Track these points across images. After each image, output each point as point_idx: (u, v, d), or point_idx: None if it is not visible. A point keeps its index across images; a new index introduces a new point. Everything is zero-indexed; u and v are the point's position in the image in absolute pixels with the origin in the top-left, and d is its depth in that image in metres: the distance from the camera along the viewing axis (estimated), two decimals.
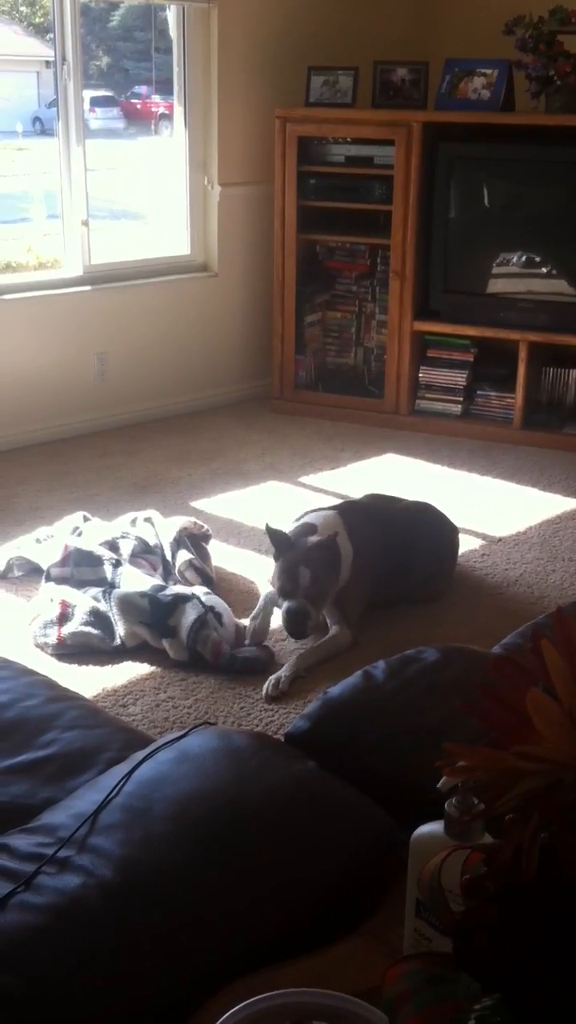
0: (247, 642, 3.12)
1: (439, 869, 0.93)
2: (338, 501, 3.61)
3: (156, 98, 5.89)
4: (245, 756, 1.48)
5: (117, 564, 3.34)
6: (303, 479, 4.54)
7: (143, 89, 6.02)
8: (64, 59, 4.70)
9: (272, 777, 1.46)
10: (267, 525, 3.12)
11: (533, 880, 0.78)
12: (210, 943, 1.23)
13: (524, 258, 5.06)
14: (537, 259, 5.05)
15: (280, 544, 3.08)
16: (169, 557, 3.49)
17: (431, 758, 0.85)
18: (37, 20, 5.54)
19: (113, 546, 3.46)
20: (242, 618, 3.24)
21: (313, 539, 3.12)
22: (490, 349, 5.13)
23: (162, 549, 3.53)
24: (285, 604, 3.03)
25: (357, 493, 4.34)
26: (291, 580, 3.01)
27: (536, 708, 0.77)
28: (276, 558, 3.09)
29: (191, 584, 3.34)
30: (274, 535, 3.09)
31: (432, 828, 1.14)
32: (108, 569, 3.33)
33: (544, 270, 5.07)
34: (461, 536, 3.68)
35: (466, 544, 3.79)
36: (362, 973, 1.15)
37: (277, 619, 3.31)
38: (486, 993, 0.81)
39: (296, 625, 3.03)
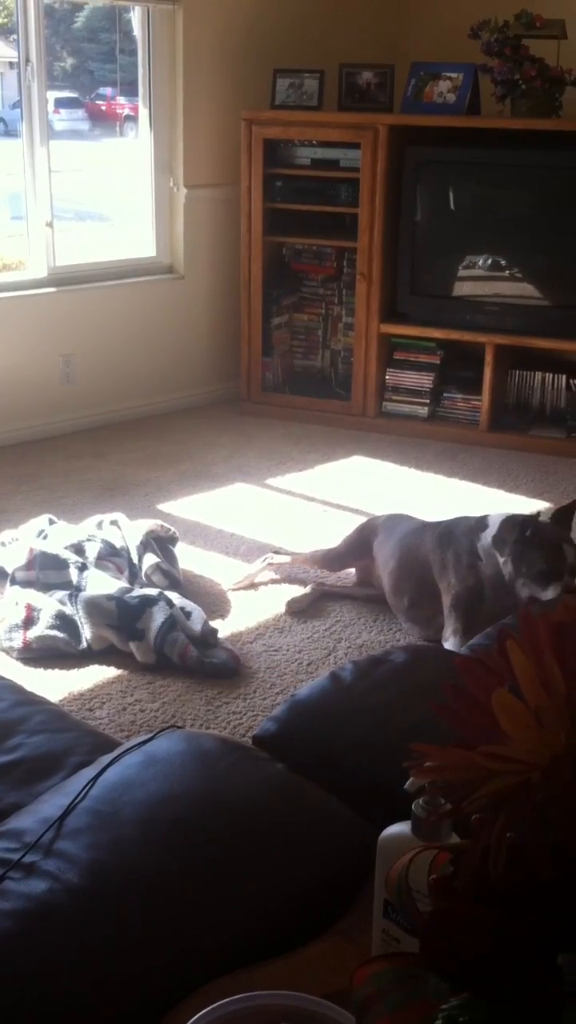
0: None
1: (406, 870, 0.93)
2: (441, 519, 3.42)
3: (121, 99, 5.87)
4: (213, 759, 1.48)
5: (83, 567, 3.33)
6: (271, 481, 4.54)
7: (108, 90, 6.00)
8: (28, 60, 4.67)
9: (241, 780, 1.45)
10: (541, 513, 2.98)
11: (501, 879, 0.78)
12: (181, 946, 1.22)
13: (491, 261, 5.09)
14: (503, 262, 5.08)
15: (535, 529, 2.95)
16: (136, 560, 3.48)
17: (400, 759, 0.85)
18: (0, 21, 5.51)
19: (79, 549, 3.44)
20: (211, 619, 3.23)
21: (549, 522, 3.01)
22: (457, 352, 5.15)
23: (128, 552, 3.51)
24: (551, 587, 2.86)
25: (325, 495, 4.35)
26: (559, 558, 2.88)
27: (502, 708, 0.78)
28: (529, 544, 2.92)
29: (158, 587, 3.33)
30: (534, 522, 2.97)
31: (399, 829, 1.14)
32: (74, 572, 3.31)
33: (510, 273, 5.09)
34: None
35: None
36: (333, 975, 1.15)
37: (244, 619, 3.31)
38: (455, 992, 0.81)
39: None
